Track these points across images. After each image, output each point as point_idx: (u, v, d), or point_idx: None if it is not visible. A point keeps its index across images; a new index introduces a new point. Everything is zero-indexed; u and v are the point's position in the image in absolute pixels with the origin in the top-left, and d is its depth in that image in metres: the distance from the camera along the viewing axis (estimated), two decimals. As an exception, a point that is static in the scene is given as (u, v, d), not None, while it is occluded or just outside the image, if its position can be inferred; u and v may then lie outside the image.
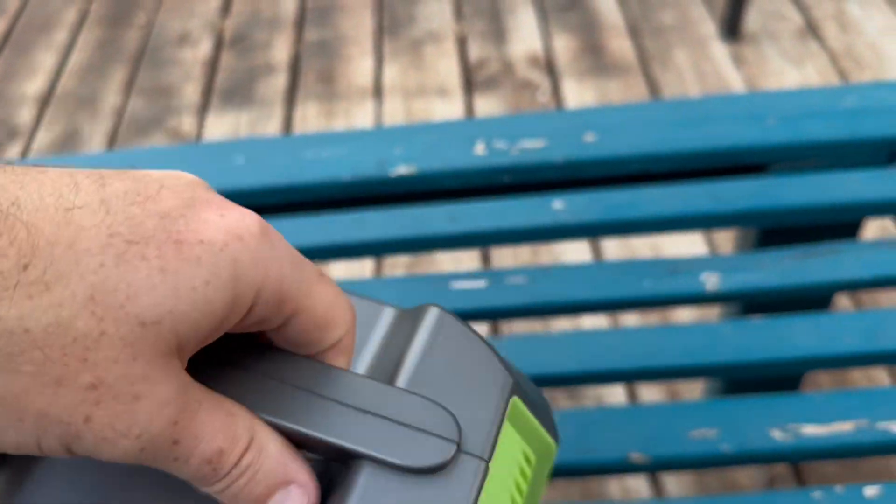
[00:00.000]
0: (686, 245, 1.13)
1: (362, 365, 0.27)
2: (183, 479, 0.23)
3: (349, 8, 1.67)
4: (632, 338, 0.49)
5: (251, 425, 0.22)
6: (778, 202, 0.57)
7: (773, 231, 0.64)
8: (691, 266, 0.53)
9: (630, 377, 0.48)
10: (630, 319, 1.05)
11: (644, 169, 0.60)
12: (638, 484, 0.87)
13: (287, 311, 0.22)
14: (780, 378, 0.73)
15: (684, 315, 1.02)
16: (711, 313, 1.02)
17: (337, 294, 0.23)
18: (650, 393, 0.96)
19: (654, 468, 0.44)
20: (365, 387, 0.23)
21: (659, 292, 0.51)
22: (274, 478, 0.22)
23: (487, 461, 0.23)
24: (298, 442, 0.23)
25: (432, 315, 0.25)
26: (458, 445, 0.22)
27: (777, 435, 0.44)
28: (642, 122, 0.62)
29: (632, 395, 0.96)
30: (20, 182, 0.19)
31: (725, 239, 1.13)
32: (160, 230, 0.19)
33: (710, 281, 0.52)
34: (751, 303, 0.59)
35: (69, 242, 0.18)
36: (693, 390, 0.96)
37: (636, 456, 0.43)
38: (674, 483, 0.88)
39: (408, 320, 0.26)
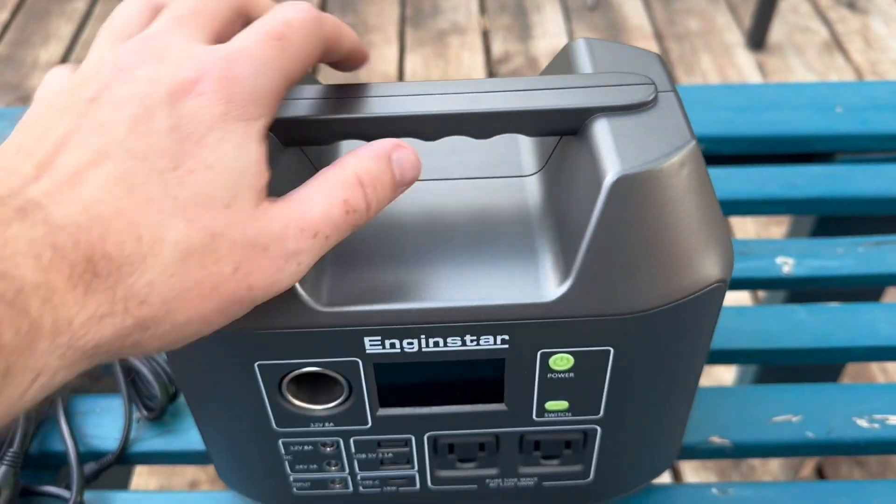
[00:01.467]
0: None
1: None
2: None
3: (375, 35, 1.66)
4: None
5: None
6: (847, 191, 0.55)
7: (830, 220, 0.62)
8: (762, 248, 0.51)
9: (714, 359, 0.46)
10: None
11: (710, 150, 0.58)
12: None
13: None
14: (820, 368, 0.72)
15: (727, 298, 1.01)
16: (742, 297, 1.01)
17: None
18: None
19: (736, 454, 0.42)
20: (550, 79, 0.28)
21: (735, 274, 0.49)
22: (381, 179, 0.25)
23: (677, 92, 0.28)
24: (534, 126, 0.28)
25: (581, 42, 0.31)
26: (655, 85, 0.28)
27: (864, 424, 0.42)
28: (706, 104, 0.60)
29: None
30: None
31: (742, 223, 1.12)
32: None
33: (787, 265, 0.50)
34: (810, 288, 0.57)
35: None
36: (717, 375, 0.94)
37: (717, 440, 0.41)
38: (693, 475, 0.86)
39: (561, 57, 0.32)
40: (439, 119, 0.27)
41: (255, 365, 0.29)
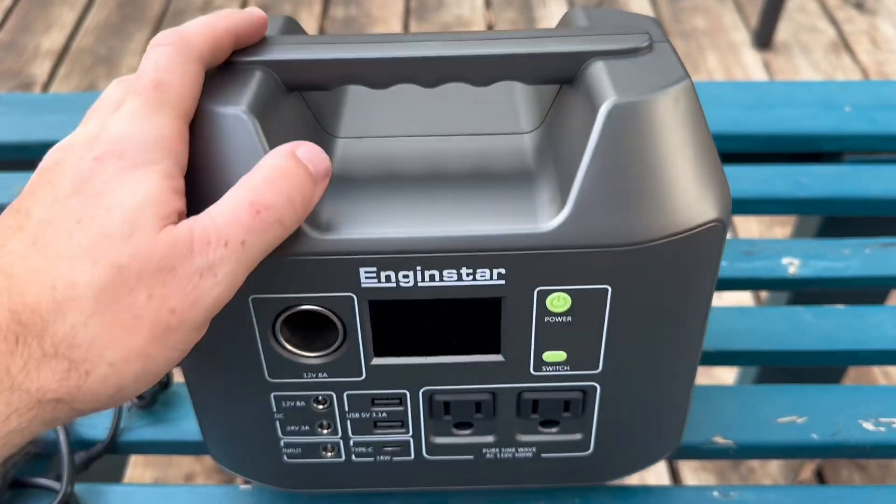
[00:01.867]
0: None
1: None
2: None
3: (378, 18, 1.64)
4: (716, 316, 0.47)
5: None
6: (854, 191, 0.54)
7: (837, 220, 0.61)
8: (768, 248, 0.51)
9: (713, 360, 0.45)
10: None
11: (718, 148, 0.57)
12: (657, 466, 0.84)
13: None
14: (822, 370, 0.71)
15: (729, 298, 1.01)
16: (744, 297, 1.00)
17: None
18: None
19: (739, 454, 0.41)
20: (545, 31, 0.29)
21: (740, 274, 0.49)
22: (286, 160, 0.26)
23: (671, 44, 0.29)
24: (532, 71, 0.28)
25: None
26: (649, 34, 0.29)
27: (869, 427, 0.41)
28: (714, 101, 0.59)
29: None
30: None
31: (746, 223, 1.11)
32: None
33: (793, 265, 0.49)
34: (816, 290, 0.56)
35: None
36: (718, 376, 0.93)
37: (721, 440, 0.41)
38: (692, 478, 0.85)
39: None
40: (440, 62, 0.28)
41: (250, 299, 0.29)
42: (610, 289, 0.28)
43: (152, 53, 0.26)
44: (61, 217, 0.23)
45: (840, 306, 0.48)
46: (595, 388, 0.32)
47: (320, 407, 0.32)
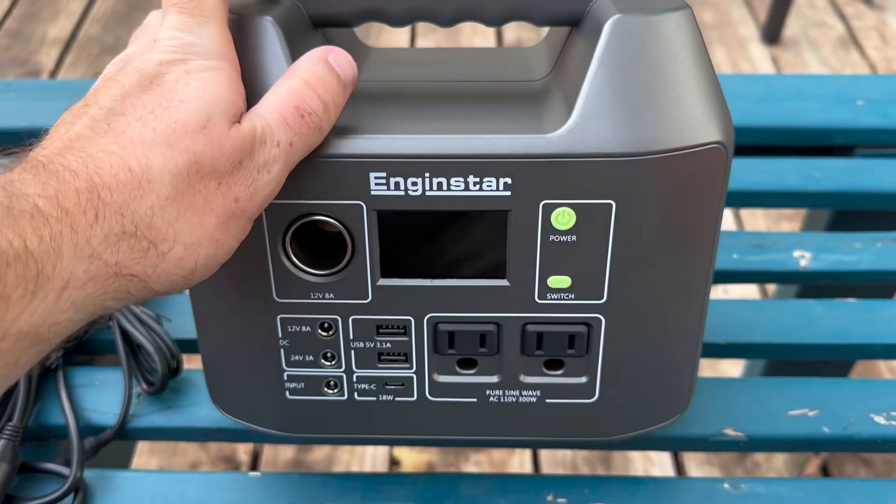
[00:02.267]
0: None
1: None
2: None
3: None
4: (721, 309, 0.46)
5: None
6: (866, 185, 0.54)
7: (847, 214, 0.61)
8: (778, 241, 0.50)
9: (724, 352, 0.45)
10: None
11: (728, 141, 0.57)
12: (662, 458, 0.84)
13: None
14: (830, 364, 0.71)
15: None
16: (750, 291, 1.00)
17: None
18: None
19: (749, 447, 0.41)
20: None
21: (751, 267, 0.48)
22: (319, 63, 0.28)
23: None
24: (541, 7, 0.30)
25: None
26: None
27: (881, 421, 0.41)
28: (729, 94, 0.59)
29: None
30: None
31: (753, 218, 1.11)
32: None
33: (804, 258, 0.49)
34: (827, 283, 0.56)
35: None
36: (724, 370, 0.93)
37: (731, 432, 0.40)
38: (697, 471, 0.85)
39: None
40: (457, 7, 0.30)
41: None
42: (614, 204, 0.29)
43: None
44: (133, 108, 0.24)
45: (851, 300, 0.47)
46: (600, 321, 0.32)
47: (325, 334, 0.33)
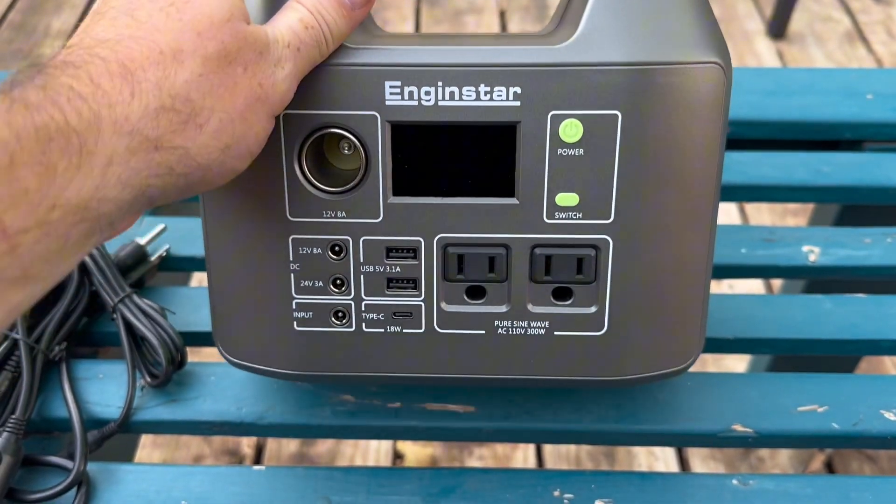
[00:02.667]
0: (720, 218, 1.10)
1: None
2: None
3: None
4: (729, 303, 0.46)
5: None
6: (875, 179, 0.53)
7: (855, 208, 0.61)
8: (787, 235, 0.50)
9: (733, 347, 0.44)
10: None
11: (736, 134, 0.57)
12: (666, 453, 0.84)
13: None
14: (836, 359, 0.70)
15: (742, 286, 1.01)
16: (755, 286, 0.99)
17: None
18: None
19: (758, 443, 0.41)
20: None
21: (760, 261, 0.48)
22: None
23: None
24: None
25: None
26: None
27: (891, 417, 0.41)
28: (737, 87, 0.58)
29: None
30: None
31: (757, 213, 1.10)
32: None
33: (813, 253, 0.48)
34: (836, 278, 0.55)
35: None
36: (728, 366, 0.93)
37: (740, 428, 0.40)
38: (702, 466, 0.85)
39: None
40: None
41: (280, 116, 0.31)
42: (620, 115, 0.31)
43: None
44: (152, 3, 0.26)
45: (861, 295, 0.47)
46: (608, 242, 0.32)
47: (335, 257, 0.33)
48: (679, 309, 0.35)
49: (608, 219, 0.32)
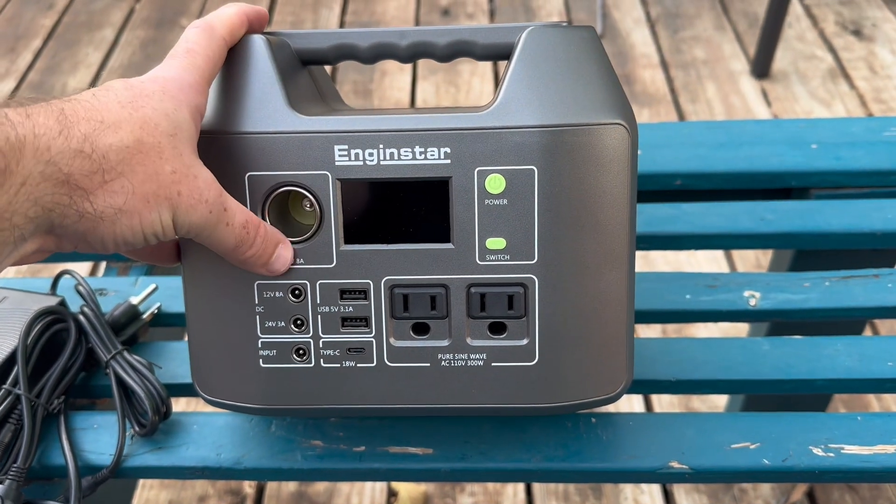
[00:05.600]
0: (706, 262, 1.13)
1: None
2: (227, 249, 0.35)
3: (392, 24, 1.70)
4: (673, 347, 0.50)
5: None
6: (820, 226, 0.57)
7: (808, 253, 0.64)
8: (730, 282, 0.54)
9: (674, 388, 0.48)
10: (649, 331, 1.04)
11: (687, 185, 0.61)
12: (652, 488, 0.86)
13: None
14: (806, 398, 0.73)
15: (699, 329, 1.03)
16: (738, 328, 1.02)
17: None
18: (665, 404, 0.96)
19: (694, 478, 0.44)
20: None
21: (702, 307, 0.52)
22: (274, 239, 0.37)
23: None
24: (479, 47, 0.39)
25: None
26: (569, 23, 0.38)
27: (819, 453, 0.44)
28: (686, 140, 0.63)
29: (648, 406, 0.96)
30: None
31: (742, 257, 1.13)
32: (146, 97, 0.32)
33: (754, 298, 0.52)
34: (782, 321, 0.59)
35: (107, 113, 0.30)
36: (704, 405, 0.95)
37: (676, 465, 0.43)
38: (686, 500, 0.87)
39: None
40: (412, 43, 0.39)
41: (246, 177, 0.36)
42: (536, 170, 0.36)
43: (186, 32, 0.36)
44: (115, 96, 0.31)
45: (798, 337, 0.50)
46: (533, 280, 0.37)
47: (295, 300, 0.38)
48: (604, 340, 0.39)
49: (532, 259, 0.37)
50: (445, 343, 0.38)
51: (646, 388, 0.48)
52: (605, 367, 0.39)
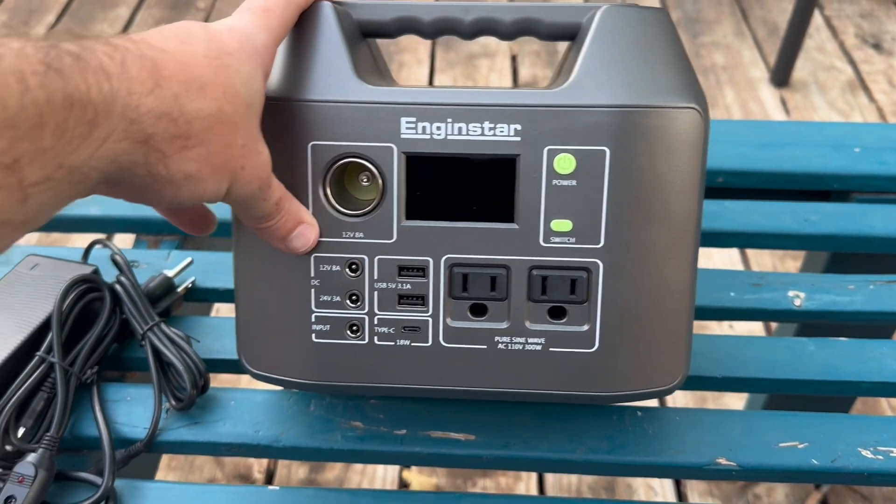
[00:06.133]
0: (720, 260, 1.12)
1: None
2: (252, 217, 0.34)
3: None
4: (715, 344, 0.49)
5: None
6: (864, 229, 0.56)
7: (844, 256, 0.63)
8: (775, 281, 0.53)
9: (721, 385, 0.47)
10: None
11: (728, 183, 0.60)
12: (664, 487, 0.85)
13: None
14: (829, 400, 0.72)
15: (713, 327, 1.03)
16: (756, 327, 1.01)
17: None
18: (679, 401, 0.95)
19: (741, 476, 0.43)
20: None
21: (747, 304, 0.51)
22: (297, 216, 0.36)
23: None
24: (545, 26, 0.38)
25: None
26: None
27: (868, 455, 0.43)
28: (729, 139, 0.62)
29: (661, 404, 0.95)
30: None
31: (759, 255, 1.13)
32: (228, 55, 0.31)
33: (799, 298, 0.51)
34: (821, 323, 0.58)
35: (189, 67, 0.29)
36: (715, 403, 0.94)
37: (724, 462, 0.43)
38: (697, 500, 0.86)
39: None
40: (477, 18, 0.38)
41: (309, 146, 0.35)
42: (608, 151, 0.34)
43: None
44: (204, 46, 0.30)
45: (843, 339, 0.50)
46: (598, 266, 0.36)
47: (352, 274, 0.37)
48: (665, 330, 0.38)
49: (598, 244, 0.36)
50: (503, 325, 0.37)
51: (694, 384, 0.47)
52: (663, 357, 0.38)
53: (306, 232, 0.36)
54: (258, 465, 0.91)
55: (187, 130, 0.28)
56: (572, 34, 0.38)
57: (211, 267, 0.53)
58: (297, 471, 0.91)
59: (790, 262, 1.13)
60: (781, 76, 1.49)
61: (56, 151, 0.24)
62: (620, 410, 0.45)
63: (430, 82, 1.51)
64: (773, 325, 1.01)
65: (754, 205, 0.58)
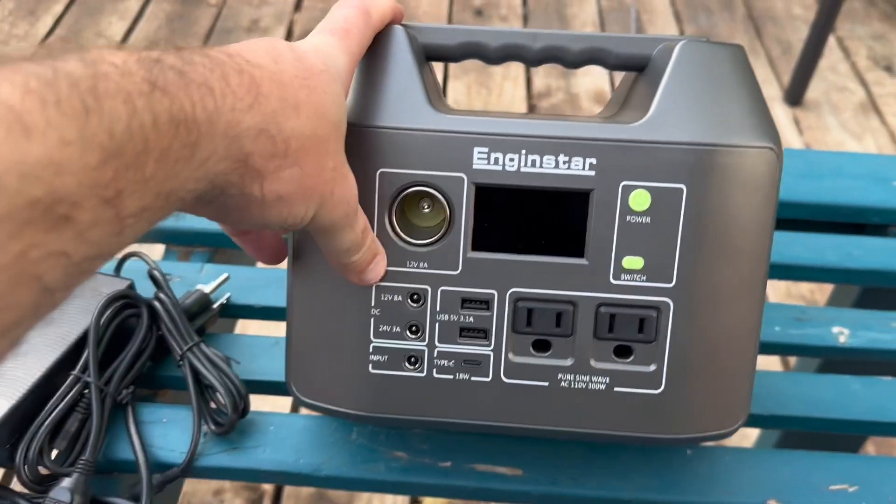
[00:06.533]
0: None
1: None
2: (338, 249, 0.33)
3: (424, 21, 1.68)
4: (760, 381, 0.48)
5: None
6: (903, 265, 0.56)
7: (874, 291, 0.63)
8: (818, 316, 0.52)
9: (768, 423, 0.46)
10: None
11: (768, 213, 0.59)
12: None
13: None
14: (840, 438, 0.72)
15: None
16: (771, 361, 1.01)
17: None
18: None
19: (792, 518, 0.42)
20: None
21: (792, 340, 0.50)
22: (375, 250, 0.35)
23: None
24: (612, 56, 0.37)
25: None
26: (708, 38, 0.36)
27: (918, 500, 0.42)
28: (769, 167, 0.61)
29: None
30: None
31: (773, 287, 1.13)
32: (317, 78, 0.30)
33: (843, 335, 0.51)
34: (862, 360, 0.57)
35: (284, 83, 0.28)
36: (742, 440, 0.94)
37: (775, 503, 0.42)
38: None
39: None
40: (545, 46, 0.37)
41: (378, 173, 0.34)
42: (685, 188, 0.34)
43: (342, 11, 0.33)
44: (293, 66, 0.29)
45: (888, 378, 0.49)
46: (668, 305, 0.35)
47: (414, 305, 0.36)
48: (731, 373, 0.37)
49: (670, 282, 0.35)
50: (567, 363, 0.36)
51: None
52: (728, 400, 0.37)
53: (381, 263, 0.35)
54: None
55: (284, 149, 0.27)
56: (641, 66, 0.38)
57: (246, 283, 0.52)
58: (305, 488, 0.89)
59: (818, 294, 1.13)
60: (795, 95, 1.49)
61: (157, 180, 0.23)
62: (669, 448, 0.44)
63: (444, 89, 1.50)
64: (790, 361, 1.01)
65: (797, 236, 0.57)
